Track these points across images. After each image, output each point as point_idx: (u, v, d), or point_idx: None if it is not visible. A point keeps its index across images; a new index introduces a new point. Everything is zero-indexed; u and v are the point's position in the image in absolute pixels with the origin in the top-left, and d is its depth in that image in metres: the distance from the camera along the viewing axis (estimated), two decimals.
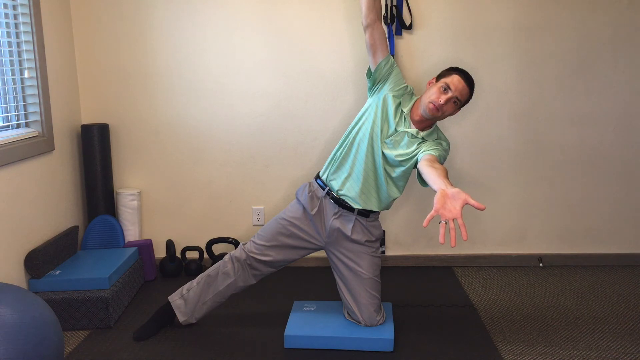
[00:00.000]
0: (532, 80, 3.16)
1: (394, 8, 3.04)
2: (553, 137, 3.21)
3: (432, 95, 2.30)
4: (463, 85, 2.30)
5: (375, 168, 2.40)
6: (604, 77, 3.15)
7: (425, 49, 3.12)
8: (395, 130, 2.37)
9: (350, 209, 2.45)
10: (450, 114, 2.35)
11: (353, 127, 2.45)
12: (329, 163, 2.49)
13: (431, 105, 2.29)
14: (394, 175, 2.40)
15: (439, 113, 2.30)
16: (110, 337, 2.52)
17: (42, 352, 1.91)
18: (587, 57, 3.13)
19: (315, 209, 2.47)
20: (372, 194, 2.43)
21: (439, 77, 2.36)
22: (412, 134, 2.35)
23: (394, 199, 2.47)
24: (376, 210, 2.46)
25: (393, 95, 2.39)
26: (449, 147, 2.42)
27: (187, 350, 2.39)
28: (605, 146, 3.22)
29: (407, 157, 2.34)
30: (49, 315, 2.02)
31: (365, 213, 2.47)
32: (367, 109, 2.44)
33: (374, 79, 2.42)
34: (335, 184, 2.46)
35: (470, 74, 2.33)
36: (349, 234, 2.45)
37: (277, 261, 2.51)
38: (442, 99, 2.28)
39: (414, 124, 2.38)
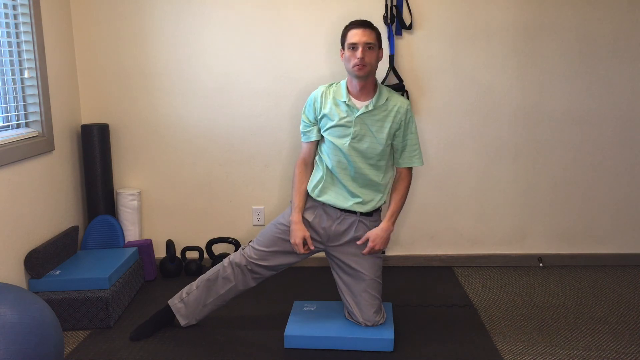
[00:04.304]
0: (532, 80, 3.16)
1: (394, 8, 3.04)
2: (553, 137, 3.21)
3: (350, 61, 2.33)
4: (362, 31, 2.31)
5: (349, 170, 2.42)
6: (604, 77, 3.15)
7: (425, 49, 3.12)
8: (352, 123, 2.37)
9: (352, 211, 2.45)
10: (379, 59, 2.37)
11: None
12: (312, 188, 2.49)
13: (356, 68, 2.31)
14: (378, 162, 2.43)
15: (367, 67, 2.31)
16: (110, 337, 2.52)
17: (42, 352, 1.91)
18: (587, 57, 3.13)
19: (313, 216, 2.47)
20: (367, 193, 2.44)
21: (342, 45, 2.38)
22: (362, 113, 2.37)
23: (385, 183, 2.48)
24: (376, 203, 2.46)
25: (323, 116, 2.43)
26: (411, 106, 2.49)
27: (187, 350, 2.39)
28: (605, 146, 3.22)
29: (379, 139, 2.40)
30: (49, 315, 2.02)
31: (367, 213, 2.47)
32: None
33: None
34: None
35: (368, 20, 2.38)
36: (351, 236, 2.45)
37: (277, 265, 2.50)
38: (358, 54, 2.30)
39: (359, 99, 2.39)
